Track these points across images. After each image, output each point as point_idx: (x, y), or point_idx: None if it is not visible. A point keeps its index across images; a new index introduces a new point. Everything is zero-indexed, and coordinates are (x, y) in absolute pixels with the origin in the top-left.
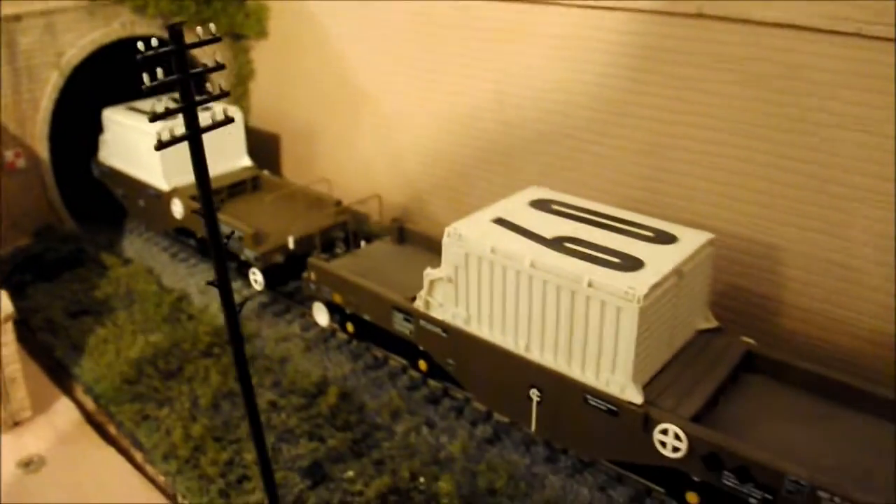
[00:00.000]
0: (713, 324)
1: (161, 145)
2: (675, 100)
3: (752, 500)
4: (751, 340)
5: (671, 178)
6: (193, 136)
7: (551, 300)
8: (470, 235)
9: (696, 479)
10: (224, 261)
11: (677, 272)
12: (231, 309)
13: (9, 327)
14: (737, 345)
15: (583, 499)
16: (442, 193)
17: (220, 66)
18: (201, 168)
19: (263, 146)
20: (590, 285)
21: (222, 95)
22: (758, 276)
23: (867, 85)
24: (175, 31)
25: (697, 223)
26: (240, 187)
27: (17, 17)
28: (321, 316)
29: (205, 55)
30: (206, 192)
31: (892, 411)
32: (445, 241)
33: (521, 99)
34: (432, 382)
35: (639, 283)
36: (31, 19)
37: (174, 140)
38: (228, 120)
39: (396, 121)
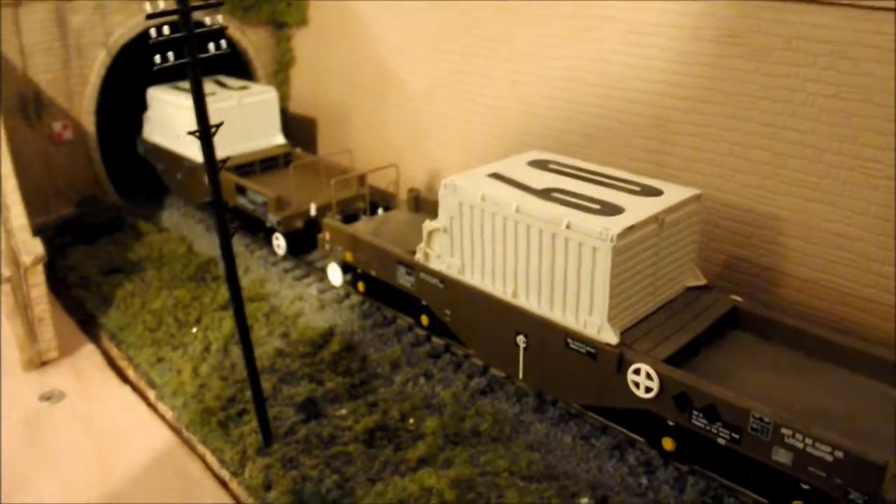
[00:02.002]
0: (702, 281)
1: (158, 67)
2: (678, 74)
3: (720, 439)
4: (738, 298)
5: (675, 151)
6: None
7: (534, 244)
8: (464, 186)
9: (670, 423)
10: (217, 182)
11: (657, 220)
12: (224, 226)
13: (39, 269)
14: (724, 301)
15: (565, 445)
16: (459, 170)
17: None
18: (198, 93)
19: (302, 129)
20: (568, 227)
21: (215, 5)
22: (759, 247)
23: (864, 54)
24: None
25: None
26: (272, 162)
27: None
28: (335, 275)
29: (247, 42)
30: (204, 117)
31: (869, 366)
32: (441, 192)
33: (532, 76)
34: (435, 339)
35: (614, 224)
36: (82, 0)
37: (170, 64)
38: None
39: (421, 102)
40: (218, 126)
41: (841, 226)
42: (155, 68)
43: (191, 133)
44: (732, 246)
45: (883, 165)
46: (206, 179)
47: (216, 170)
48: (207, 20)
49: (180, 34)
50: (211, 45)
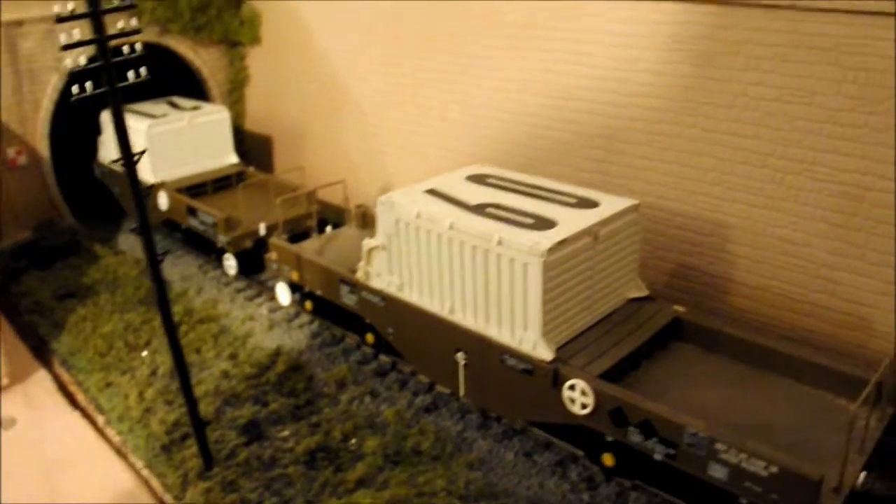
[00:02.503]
0: (644, 292)
1: (76, 98)
2: (623, 81)
3: (656, 454)
4: (681, 308)
5: (621, 160)
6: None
7: (468, 261)
8: (400, 203)
9: (609, 438)
10: (143, 207)
11: (590, 233)
12: (152, 254)
13: None
14: (665, 312)
15: (507, 462)
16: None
17: (132, 5)
18: (119, 121)
19: (258, 147)
20: (499, 243)
21: (133, 33)
22: (707, 254)
23: (805, 56)
24: None
25: (647, 203)
26: (225, 182)
27: (19, 23)
28: (283, 295)
29: (200, 62)
30: (125, 143)
31: (815, 376)
32: (379, 209)
33: (482, 89)
34: (383, 357)
35: (545, 239)
36: (33, 25)
37: (89, 94)
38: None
39: (374, 116)
40: (141, 153)
41: (787, 231)
42: (72, 99)
43: (114, 161)
44: (680, 254)
45: (828, 169)
46: (158, 201)
47: (141, 196)
48: (125, 48)
49: (97, 64)
50: (133, 73)
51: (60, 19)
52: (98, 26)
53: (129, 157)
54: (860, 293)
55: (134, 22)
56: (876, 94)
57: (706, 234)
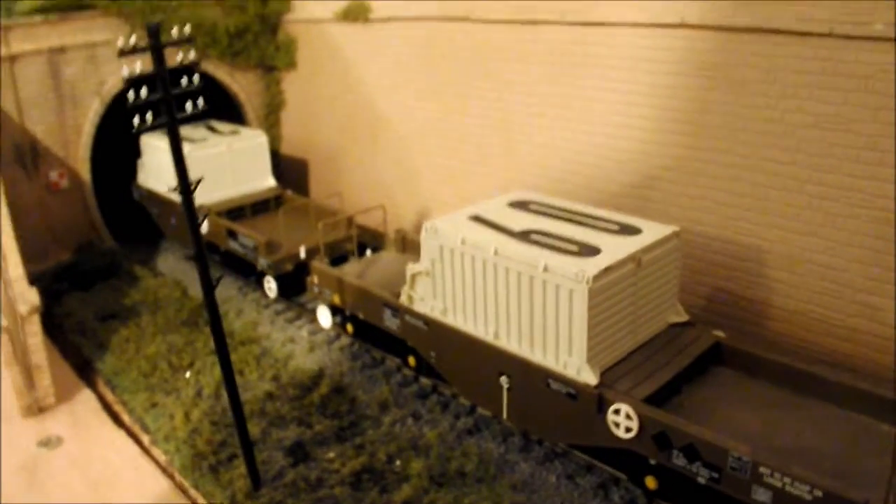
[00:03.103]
0: (684, 317)
1: (137, 130)
2: (658, 108)
3: (700, 478)
4: (721, 333)
5: (657, 185)
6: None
7: (513, 287)
8: (445, 229)
9: (652, 462)
10: (199, 235)
11: (634, 259)
12: (207, 279)
13: (35, 319)
14: (706, 337)
15: (550, 485)
16: (450, 210)
17: (189, 39)
18: (177, 152)
19: (294, 171)
20: (545, 270)
21: (187, 41)
22: (744, 279)
23: (842, 84)
24: (152, 31)
25: (684, 228)
26: (264, 205)
27: (63, 49)
28: (324, 318)
29: (237, 87)
30: (183, 172)
31: (856, 401)
32: (423, 235)
33: (517, 115)
34: (424, 380)
35: (590, 266)
36: (76, 51)
37: (149, 126)
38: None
39: (411, 141)
40: (198, 182)
41: (825, 256)
42: (133, 131)
43: (172, 190)
44: (717, 279)
45: (864, 195)
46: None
47: (197, 224)
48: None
49: (158, 96)
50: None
51: (122, 53)
52: (159, 59)
53: (185, 186)
54: None
55: (192, 55)
56: None
57: (743, 259)
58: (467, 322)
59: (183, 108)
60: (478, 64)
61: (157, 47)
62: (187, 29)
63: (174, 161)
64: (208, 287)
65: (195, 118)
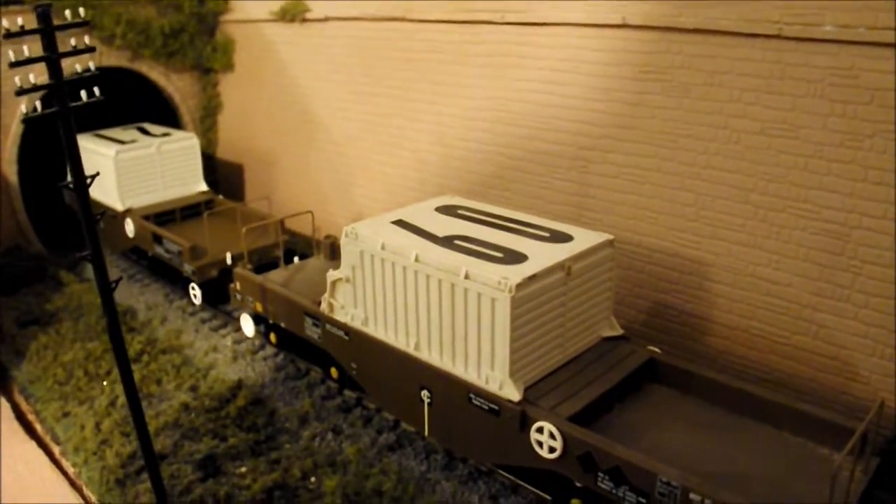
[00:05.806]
0: (618, 331)
1: (25, 118)
2: (599, 112)
3: (626, 503)
4: (656, 349)
5: (596, 193)
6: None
7: (434, 295)
8: (365, 234)
9: (577, 484)
10: (96, 234)
11: (563, 267)
12: (105, 283)
13: None
14: (640, 352)
15: None
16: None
17: (85, 22)
18: (71, 143)
19: (230, 175)
20: (466, 277)
21: (87, 51)
22: (685, 293)
23: (790, 89)
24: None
25: (623, 238)
26: (194, 209)
27: None
28: (247, 326)
29: (172, 89)
30: (77, 166)
31: (795, 423)
32: (343, 240)
33: (454, 118)
34: (348, 392)
35: (515, 273)
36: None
37: (40, 114)
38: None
39: (346, 146)
40: (93, 177)
41: (770, 270)
42: (22, 119)
43: (64, 185)
44: (657, 292)
45: (812, 206)
46: (126, 228)
47: (93, 221)
48: (79, 66)
49: (49, 83)
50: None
51: (8, 35)
52: (50, 43)
53: (80, 181)
54: (844, 336)
55: (87, 40)
56: (863, 129)
57: (684, 272)
58: (388, 332)
59: (78, 97)
60: (414, 65)
61: (47, 31)
62: (82, 11)
63: (67, 153)
64: (105, 290)
65: (92, 106)
